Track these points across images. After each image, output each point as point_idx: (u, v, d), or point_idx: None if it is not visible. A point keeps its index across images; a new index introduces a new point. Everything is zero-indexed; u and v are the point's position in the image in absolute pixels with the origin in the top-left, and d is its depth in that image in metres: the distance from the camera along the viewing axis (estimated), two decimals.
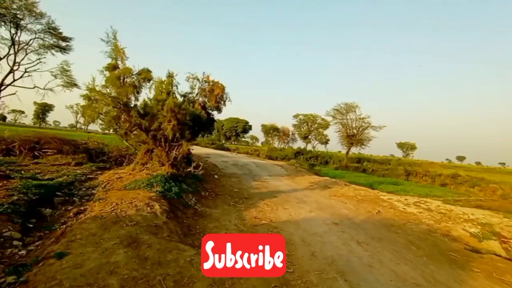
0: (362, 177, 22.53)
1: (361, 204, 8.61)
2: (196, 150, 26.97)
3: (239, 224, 5.87)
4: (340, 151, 48.41)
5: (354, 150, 35.37)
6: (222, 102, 13.73)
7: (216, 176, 11.63)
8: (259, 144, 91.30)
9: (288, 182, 12.16)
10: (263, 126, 70.10)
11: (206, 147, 37.88)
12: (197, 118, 10.37)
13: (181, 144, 9.67)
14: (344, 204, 8.51)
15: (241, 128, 73.07)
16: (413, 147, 73.14)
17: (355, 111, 31.58)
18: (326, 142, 55.53)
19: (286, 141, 68.69)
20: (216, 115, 13.87)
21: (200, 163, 14.92)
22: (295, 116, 53.16)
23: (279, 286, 3.54)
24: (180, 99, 12.00)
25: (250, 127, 75.48)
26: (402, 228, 6.38)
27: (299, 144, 56.01)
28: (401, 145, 74.57)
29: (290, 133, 65.38)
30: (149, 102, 8.51)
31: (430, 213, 7.66)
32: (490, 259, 4.88)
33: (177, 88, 11.20)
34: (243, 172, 13.74)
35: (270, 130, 68.72)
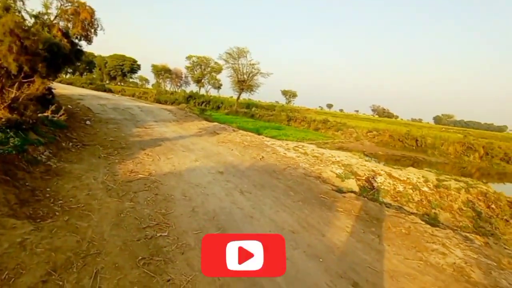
0: (250, 122, 23.45)
1: (247, 150, 8.64)
2: (68, 90, 21.92)
3: (108, 181, 4.80)
4: (231, 96, 48.57)
5: (244, 95, 36.10)
6: (93, 31, 10.92)
7: (88, 122, 9.54)
8: (149, 86, 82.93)
9: (175, 128, 11.18)
10: (154, 66, 62.60)
11: (83, 87, 31.48)
12: (55, 47, 7.78)
13: (32, 81, 7.17)
14: (231, 150, 8.35)
15: (128, 67, 63.48)
16: (294, 95, 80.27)
17: (246, 56, 31.33)
18: (219, 87, 54.71)
19: (179, 84, 64.31)
20: (85, 47, 11.10)
21: (69, 106, 12.09)
22: (188, 58, 49.10)
23: (148, 258, 2.94)
24: (31, 20, 8.78)
25: (138, 67, 66.47)
26: (282, 173, 6.66)
27: (193, 88, 53.46)
28: (284, 93, 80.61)
29: (183, 75, 61.27)
30: None
31: (306, 157, 8.35)
32: (349, 198, 5.56)
33: (23, 4, 8.00)
34: (123, 117, 11.82)
35: (162, 72, 62.33)
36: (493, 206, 7.14)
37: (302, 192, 5.58)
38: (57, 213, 3.49)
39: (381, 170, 7.94)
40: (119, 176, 5.12)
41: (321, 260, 3.43)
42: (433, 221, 5.71)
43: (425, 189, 7.37)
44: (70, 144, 6.66)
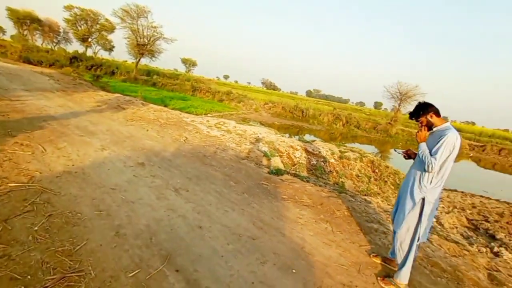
0: (153, 91, 20.18)
1: (165, 130, 6.87)
2: None
3: None
4: (126, 61, 40.52)
5: (143, 61, 30.63)
6: None
7: None
8: (7, 37, 60.06)
9: (62, 101, 7.93)
10: (11, 11, 42.39)
11: None
12: None
13: None
14: (146, 131, 6.42)
15: None
16: (194, 64, 74.33)
17: (147, 17, 25.83)
18: (110, 49, 44.64)
19: (55, 40, 48.91)
20: None
21: None
22: (68, 8, 36.35)
23: None
24: None
25: None
26: (215, 158, 5.45)
27: (76, 47, 41.48)
28: (184, 61, 73.67)
29: (61, 30, 46.29)
30: None
31: (230, 135, 7.30)
32: (287, 180, 4.97)
33: None
34: None
35: (26, 21, 44.53)
36: (376, 170, 8.01)
37: (243, 181, 4.61)
38: None
39: (297, 145, 7.76)
40: None
41: (294, 271, 2.66)
42: (342, 190, 5.84)
43: (332, 160, 7.62)
44: None
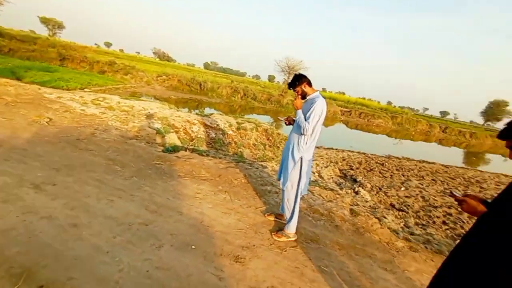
0: None
1: (15, 110, 5.17)
2: None
3: None
4: None
5: None
6: None
7: None
8: None
9: None
10: None
11: None
12: None
13: None
14: None
15: None
16: (60, 26, 58.33)
17: None
18: None
19: None
20: None
21: None
22: None
23: None
24: None
25: None
26: (93, 141, 4.51)
27: None
28: (45, 21, 56.75)
29: None
30: None
31: (113, 112, 6.22)
32: (183, 157, 4.73)
33: None
34: None
35: None
36: (270, 138, 8.77)
37: (132, 163, 4.06)
38: None
39: (195, 119, 7.49)
40: None
41: (193, 247, 2.62)
42: (240, 159, 6.15)
43: (230, 132, 7.80)
44: None
